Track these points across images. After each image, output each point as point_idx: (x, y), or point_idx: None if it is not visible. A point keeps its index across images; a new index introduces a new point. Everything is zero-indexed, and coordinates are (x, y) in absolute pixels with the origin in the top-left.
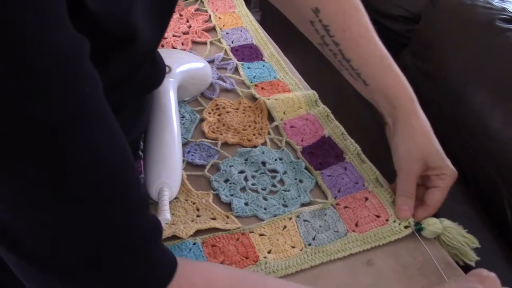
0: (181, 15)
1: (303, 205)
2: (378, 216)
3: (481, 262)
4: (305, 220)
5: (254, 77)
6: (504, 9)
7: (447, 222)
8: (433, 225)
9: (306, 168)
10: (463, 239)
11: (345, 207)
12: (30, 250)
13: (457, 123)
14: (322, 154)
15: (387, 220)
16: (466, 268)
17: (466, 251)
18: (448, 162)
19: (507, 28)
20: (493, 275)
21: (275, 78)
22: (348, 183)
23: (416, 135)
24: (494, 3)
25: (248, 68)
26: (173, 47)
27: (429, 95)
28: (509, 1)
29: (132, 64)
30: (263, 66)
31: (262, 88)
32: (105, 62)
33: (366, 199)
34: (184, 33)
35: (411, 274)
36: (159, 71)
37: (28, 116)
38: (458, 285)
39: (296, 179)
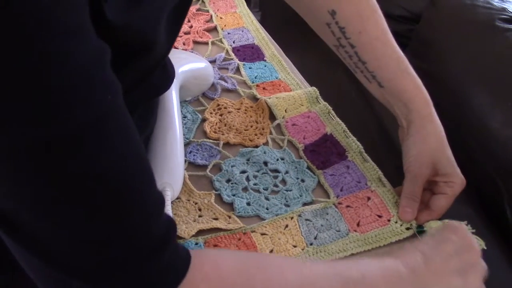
0: None
1: (305, 204)
2: (380, 216)
3: None
4: (306, 219)
5: (255, 77)
6: (504, 9)
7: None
8: (435, 228)
9: (308, 167)
10: None
11: (347, 206)
12: (46, 249)
13: (457, 123)
14: (324, 152)
15: (388, 220)
16: None
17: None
18: (458, 170)
19: (507, 28)
20: (463, 226)
21: (276, 78)
22: (350, 182)
23: (429, 139)
24: (494, 3)
25: (250, 68)
26: (175, 47)
27: (429, 95)
28: (509, 1)
29: (145, 70)
30: (265, 66)
31: (264, 89)
32: (120, 69)
33: (368, 198)
34: (185, 33)
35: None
36: (168, 75)
37: (54, 125)
38: (433, 239)
39: (298, 178)
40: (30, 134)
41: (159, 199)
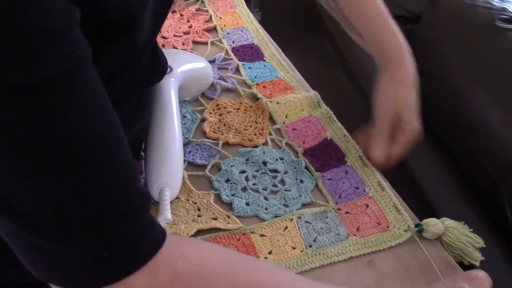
0: (182, 15)
1: (304, 205)
2: (379, 224)
3: (481, 262)
4: (306, 222)
5: (255, 77)
6: (504, 9)
7: (449, 222)
8: (433, 226)
9: (306, 167)
10: (466, 239)
11: (347, 212)
12: (17, 211)
13: (457, 123)
14: (323, 156)
15: (388, 227)
16: (471, 268)
17: (469, 252)
18: (415, 119)
19: (507, 28)
20: (482, 275)
21: (276, 77)
22: (348, 188)
23: (396, 86)
24: (494, 3)
25: (249, 68)
26: (174, 47)
27: (429, 95)
28: (509, 1)
29: (130, 53)
30: (264, 66)
31: (264, 87)
32: (103, 49)
33: (367, 206)
34: (185, 33)
35: (412, 274)
36: (160, 65)
37: (21, 72)
38: (446, 286)
39: (297, 179)
40: None
41: (132, 167)
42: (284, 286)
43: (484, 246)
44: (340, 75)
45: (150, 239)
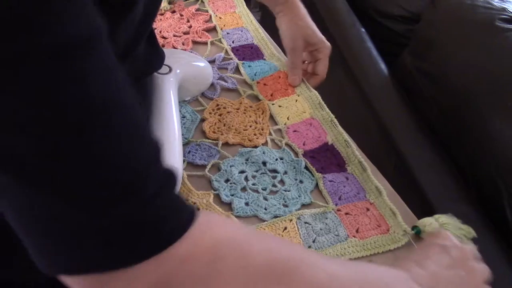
0: (181, 15)
1: (303, 205)
2: (379, 226)
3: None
4: (306, 222)
5: (255, 74)
6: (504, 9)
7: (443, 219)
8: (429, 226)
9: (306, 167)
10: (460, 231)
11: (346, 213)
12: (73, 190)
13: (457, 122)
14: (324, 160)
15: (388, 230)
16: None
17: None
18: (323, 38)
19: (507, 28)
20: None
21: (276, 70)
22: (349, 192)
23: (298, 20)
24: (494, 3)
25: (249, 66)
26: (174, 47)
27: (429, 95)
28: (509, 1)
29: (126, 35)
30: (264, 63)
31: (265, 85)
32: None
33: (367, 209)
34: (184, 33)
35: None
36: (157, 54)
37: (48, 33)
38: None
39: (296, 179)
40: (29, 41)
41: (155, 143)
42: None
43: (476, 236)
44: (340, 75)
45: (188, 207)
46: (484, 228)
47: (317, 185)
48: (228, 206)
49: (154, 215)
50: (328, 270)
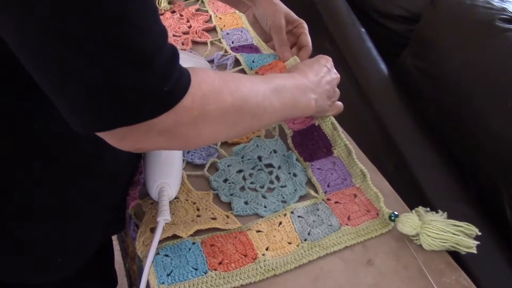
0: (181, 15)
1: (301, 197)
2: (368, 211)
3: (481, 261)
4: (299, 216)
5: (253, 62)
6: (504, 9)
7: (432, 217)
8: (404, 216)
9: (297, 159)
10: (455, 228)
11: (336, 202)
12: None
13: (457, 122)
14: (311, 144)
15: (377, 214)
16: (465, 263)
17: (460, 240)
18: (298, 18)
19: (507, 28)
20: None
21: (274, 58)
22: (336, 179)
23: (274, 4)
24: (494, 3)
25: (247, 57)
26: None
27: (429, 95)
28: (509, 1)
29: None
30: (263, 55)
31: (263, 74)
32: None
33: (355, 195)
34: (184, 33)
35: (412, 274)
36: None
37: None
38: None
39: (290, 173)
40: None
41: (163, 27)
42: (249, 85)
43: (480, 233)
44: (340, 75)
45: (186, 70)
46: (484, 228)
47: (306, 174)
48: (228, 205)
49: (169, 78)
50: (261, 92)
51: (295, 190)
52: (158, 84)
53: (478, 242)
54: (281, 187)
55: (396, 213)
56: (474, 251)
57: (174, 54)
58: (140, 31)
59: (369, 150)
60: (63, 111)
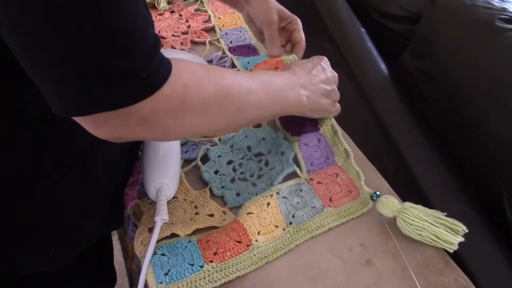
0: (180, 15)
1: (289, 175)
2: (349, 192)
3: (480, 261)
4: (284, 197)
5: (248, 63)
6: (504, 9)
7: (413, 205)
8: (385, 197)
9: (284, 138)
10: (435, 219)
11: (318, 182)
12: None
13: (457, 122)
14: (298, 121)
15: (358, 194)
16: (464, 263)
17: (439, 232)
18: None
19: (507, 28)
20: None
21: (267, 57)
22: (319, 158)
23: (267, 1)
24: (494, 3)
25: (243, 58)
26: (172, 47)
27: (429, 95)
28: (509, 1)
29: None
30: (257, 56)
31: None
32: None
33: (337, 175)
34: (183, 33)
35: (410, 273)
36: None
37: None
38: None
39: (277, 153)
40: None
41: (146, 14)
42: (232, 78)
43: (467, 231)
44: (340, 75)
45: (166, 59)
46: (484, 228)
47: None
48: (221, 198)
49: (149, 63)
50: (246, 85)
51: (282, 170)
52: (137, 69)
53: (462, 239)
54: (270, 170)
55: (378, 193)
56: (455, 247)
57: (155, 42)
58: (120, 12)
59: (369, 150)
60: (44, 94)
